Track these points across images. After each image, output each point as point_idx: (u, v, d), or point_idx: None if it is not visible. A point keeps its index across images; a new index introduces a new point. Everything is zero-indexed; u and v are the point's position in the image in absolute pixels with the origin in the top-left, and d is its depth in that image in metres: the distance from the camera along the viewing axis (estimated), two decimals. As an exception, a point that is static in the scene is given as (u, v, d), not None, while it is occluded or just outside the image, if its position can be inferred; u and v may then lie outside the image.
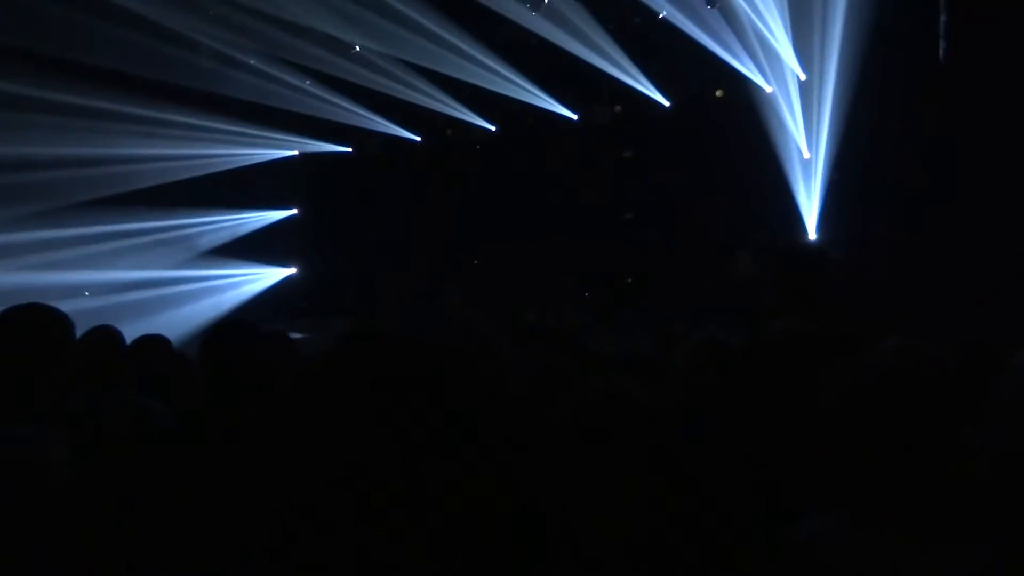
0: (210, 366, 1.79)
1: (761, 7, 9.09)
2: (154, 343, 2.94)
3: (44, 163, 9.16)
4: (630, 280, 11.05)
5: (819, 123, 9.23)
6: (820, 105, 9.17)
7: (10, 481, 1.27)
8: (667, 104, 10.58)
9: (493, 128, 11.81)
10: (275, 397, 1.71)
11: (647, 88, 10.41)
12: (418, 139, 12.22)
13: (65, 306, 1.92)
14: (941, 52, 8.45)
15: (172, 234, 11.31)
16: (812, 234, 9.36)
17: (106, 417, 1.79)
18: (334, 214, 12.70)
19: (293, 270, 12.91)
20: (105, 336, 2.56)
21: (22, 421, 1.60)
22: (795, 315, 2.35)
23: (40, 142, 9.02)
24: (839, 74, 8.89)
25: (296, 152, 12.65)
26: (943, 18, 8.45)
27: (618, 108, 11.27)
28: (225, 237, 11.99)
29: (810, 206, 9.40)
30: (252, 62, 10.71)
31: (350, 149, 12.62)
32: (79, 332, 2.06)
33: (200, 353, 1.83)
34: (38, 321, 1.90)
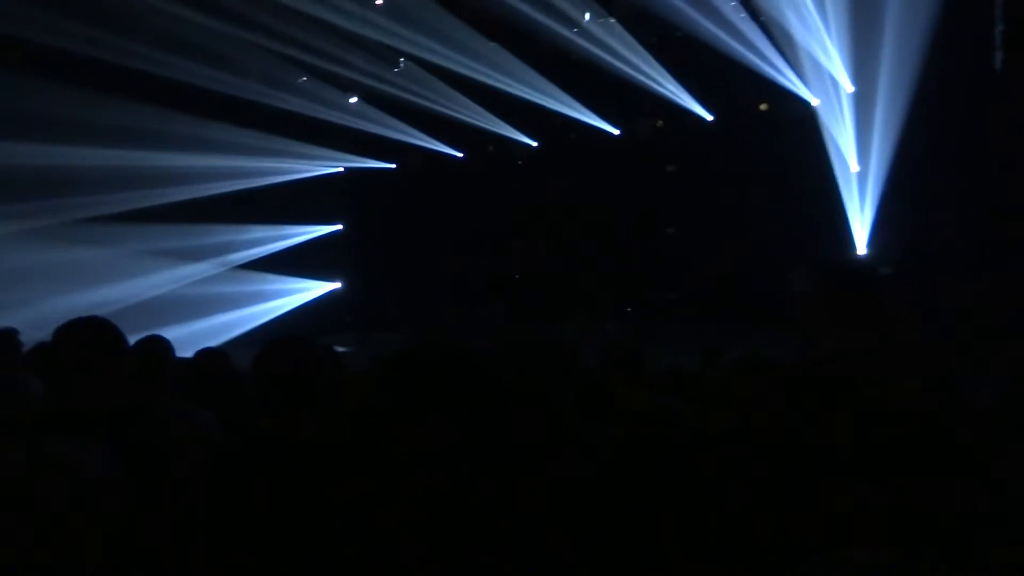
0: (265, 379, 1.81)
1: (807, 19, 8.96)
2: (210, 355, 3.01)
3: (92, 175, 9.47)
4: (674, 295, 10.93)
5: (869, 136, 9.02)
6: (870, 117, 8.96)
7: (44, 489, 1.27)
8: (709, 118, 10.49)
9: (535, 144, 11.85)
10: (329, 411, 1.72)
11: (689, 102, 10.33)
12: (461, 155, 12.34)
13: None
14: (998, 62, 8.20)
15: (219, 248, 11.60)
16: (862, 249, 9.13)
17: (157, 424, 1.84)
18: (378, 229, 12.89)
19: (338, 284, 13.11)
20: (156, 346, 2.64)
21: (75, 428, 1.64)
22: (843, 333, 2.29)
23: (89, 155, 9.33)
24: (890, 85, 8.68)
25: (342, 168, 12.90)
26: (1000, 28, 8.21)
27: (660, 122, 11.21)
28: (272, 250, 12.26)
29: (861, 220, 9.19)
30: (301, 80, 10.99)
31: (394, 165, 12.82)
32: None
33: (254, 366, 1.85)
34: (94, 332, 1.97)
